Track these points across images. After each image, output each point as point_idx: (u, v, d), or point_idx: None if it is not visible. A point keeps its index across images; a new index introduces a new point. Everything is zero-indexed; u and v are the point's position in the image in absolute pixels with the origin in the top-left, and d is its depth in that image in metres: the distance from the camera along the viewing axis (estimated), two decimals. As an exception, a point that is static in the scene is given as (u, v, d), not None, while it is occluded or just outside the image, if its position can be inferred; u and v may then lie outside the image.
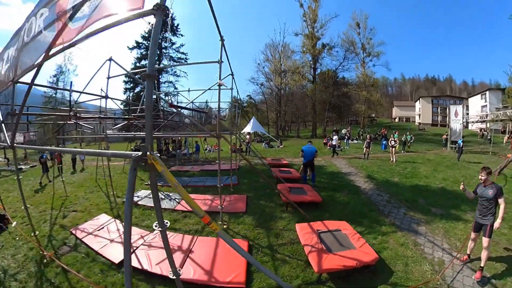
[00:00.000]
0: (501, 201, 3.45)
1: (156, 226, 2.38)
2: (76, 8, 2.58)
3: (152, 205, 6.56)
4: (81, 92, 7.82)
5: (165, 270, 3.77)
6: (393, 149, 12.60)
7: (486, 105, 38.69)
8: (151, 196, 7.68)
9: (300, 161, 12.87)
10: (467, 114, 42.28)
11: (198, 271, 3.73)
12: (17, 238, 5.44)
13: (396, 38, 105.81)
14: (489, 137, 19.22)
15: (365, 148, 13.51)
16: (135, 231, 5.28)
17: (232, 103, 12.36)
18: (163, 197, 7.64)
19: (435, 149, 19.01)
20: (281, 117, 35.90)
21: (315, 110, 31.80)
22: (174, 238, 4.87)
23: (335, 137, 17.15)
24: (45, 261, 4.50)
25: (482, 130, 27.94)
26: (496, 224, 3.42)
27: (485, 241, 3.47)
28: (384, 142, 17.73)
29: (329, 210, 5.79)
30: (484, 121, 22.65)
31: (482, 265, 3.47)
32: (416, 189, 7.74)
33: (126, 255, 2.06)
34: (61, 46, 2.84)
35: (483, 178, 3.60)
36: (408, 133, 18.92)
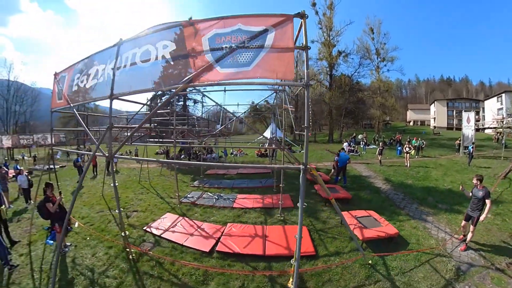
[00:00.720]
0: (487, 201, 4.77)
1: (298, 204, 3.44)
2: (222, 55, 3.35)
3: (210, 204, 8.21)
4: (152, 108, 9.91)
5: (252, 250, 5.03)
6: (408, 154, 14.07)
7: (502, 108, 38.47)
8: (204, 196, 9.40)
9: (323, 166, 14.64)
10: (483, 116, 42.24)
11: (279, 248, 5.14)
12: (88, 238, 5.78)
13: (409, 39, 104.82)
14: (503, 142, 19.83)
15: (378, 156, 14.78)
16: (210, 226, 6.34)
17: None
18: (217, 197, 8.90)
19: (448, 154, 20.01)
20: (297, 122, 37.49)
21: (331, 116, 33.28)
22: (248, 228, 6.11)
23: (345, 144, 18.26)
24: (130, 257, 4.88)
25: (497, 134, 28.22)
26: (481, 217, 4.82)
27: (471, 228, 4.99)
28: (399, 148, 19.07)
29: (357, 205, 7.52)
30: (495, 128, 23.28)
31: (466, 241, 5.07)
32: (426, 190, 9.28)
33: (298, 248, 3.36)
34: (206, 83, 3.63)
35: (474, 182, 5.14)
36: (419, 139, 20.10)
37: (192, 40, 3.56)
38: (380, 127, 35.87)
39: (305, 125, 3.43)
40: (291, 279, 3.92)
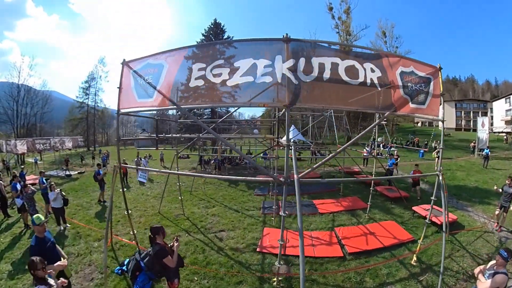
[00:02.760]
0: None
1: (432, 197, 4.94)
2: (411, 93, 4.04)
3: (296, 212, 9.25)
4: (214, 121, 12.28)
5: (374, 245, 6.14)
6: (438, 159, 16.36)
7: (510, 109, 40.25)
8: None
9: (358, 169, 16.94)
10: (491, 117, 44.19)
11: (389, 240, 6.48)
12: (196, 279, 4.89)
13: (414, 37, 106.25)
14: (513, 143, 21.88)
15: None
16: (320, 234, 6.84)
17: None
18: (298, 206, 10.13)
19: (464, 155, 22.29)
20: (315, 125, 40.00)
21: (350, 119, 35.79)
22: (353, 229, 7.13)
23: (365, 149, 20.19)
24: (274, 283, 4.64)
25: (508, 135, 30.06)
26: (511, 207, 7.40)
27: (504, 214, 7.42)
28: (422, 151, 21.54)
29: (414, 201, 9.86)
30: (508, 133, 25.46)
31: (501, 224, 7.51)
32: (458, 188, 11.86)
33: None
34: (400, 113, 4.12)
35: (508, 182, 7.57)
36: (438, 141, 22.56)
37: (390, 71, 3.97)
38: (393, 130, 38.14)
39: (441, 146, 5.62)
40: (414, 258, 5.53)
